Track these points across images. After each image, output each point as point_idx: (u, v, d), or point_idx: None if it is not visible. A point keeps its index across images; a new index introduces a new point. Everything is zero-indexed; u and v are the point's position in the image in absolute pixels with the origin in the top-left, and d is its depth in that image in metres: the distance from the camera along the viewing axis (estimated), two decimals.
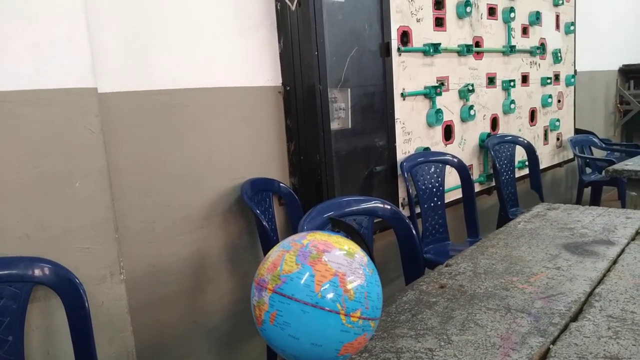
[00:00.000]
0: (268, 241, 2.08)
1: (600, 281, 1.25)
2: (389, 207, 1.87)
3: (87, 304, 1.41)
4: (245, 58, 2.19)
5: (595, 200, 4.03)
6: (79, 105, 1.52)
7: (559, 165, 4.23)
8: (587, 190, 4.07)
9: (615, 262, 1.37)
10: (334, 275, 0.70)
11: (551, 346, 0.97)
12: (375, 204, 1.87)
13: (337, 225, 0.84)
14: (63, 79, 1.48)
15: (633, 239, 1.55)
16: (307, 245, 0.73)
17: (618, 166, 2.60)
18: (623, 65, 5.47)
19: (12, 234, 1.42)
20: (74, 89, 1.50)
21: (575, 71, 4.25)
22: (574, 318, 1.09)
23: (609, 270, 1.32)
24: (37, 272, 1.40)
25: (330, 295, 0.69)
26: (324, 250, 0.72)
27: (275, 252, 0.75)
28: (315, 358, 0.72)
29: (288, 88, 2.32)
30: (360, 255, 0.75)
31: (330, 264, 0.71)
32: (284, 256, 0.72)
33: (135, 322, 1.70)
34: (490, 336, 1.02)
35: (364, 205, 1.85)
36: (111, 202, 1.61)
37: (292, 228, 2.38)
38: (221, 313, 2.20)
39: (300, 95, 2.32)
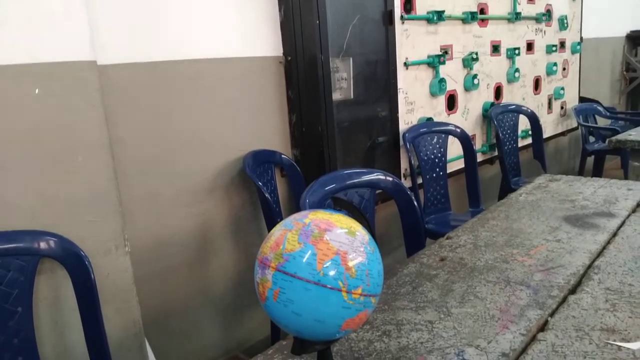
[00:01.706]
0: (270, 213, 2.09)
1: (599, 254, 1.27)
2: (390, 179, 1.87)
3: (93, 276, 1.44)
4: (246, 28, 2.15)
5: (597, 170, 4.02)
6: (79, 78, 1.51)
7: (562, 134, 4.21)
8: (590, 159, 4.06)
9: (615, 234, 1.38)
10: (335, 254, 0.71)
11: (549, 318, 0.99)
12: (377, 176, 1.87)
13: (339, 204, 0.84)
14: (62, 52, 1.46)
15: (634, 211, 1.56)
16: (309, 224, 0.74)
17: (621, 136, 2.59)
18: (631, 31, 5.37)
19: (17, 208, 1.43)
20: (72, 62, 1.49)
21: (581, 38, 4.18)
22: (573, 291, 1.10)
23: (608, 242, 1.33)
24: (42, 245, 1.42)
25: (332, 273, 0.70)
26: (325, 229, 0.73)
27: (277, 231, 0.75)
28: (317, 333, 0.73)
29: (289, 58, 2.29)
30: (361, 233, 0.76)
31: (332, 242, 0.72)
32: (286, 235, 0.73)
33: (141, 292, 1.73)
34: (489, 308, 1.04)
35: (365, 178, 1.85)
36: (114, 175, 1.61)
37: (294, 199, 2.39)
38: (225, 283, 2.23)
39: (301, 66, 2.29)
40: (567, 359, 0.86)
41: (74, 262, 1.44)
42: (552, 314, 1.01)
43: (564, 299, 1.06)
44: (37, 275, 1.43)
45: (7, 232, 1.39)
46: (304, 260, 0.70)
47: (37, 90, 1.42)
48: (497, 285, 1.13)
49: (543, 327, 0.97)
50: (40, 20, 1.42)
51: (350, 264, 0.71)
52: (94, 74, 1.54)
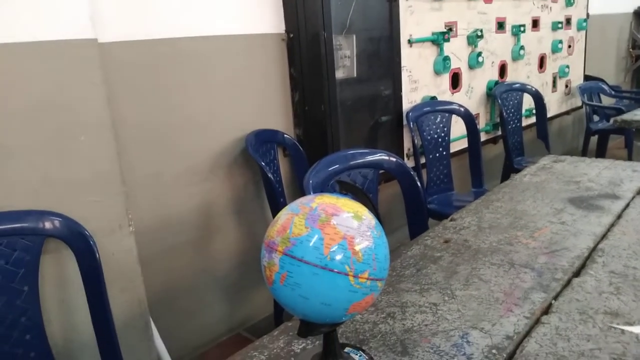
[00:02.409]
0: (273, 193, 2.09)
1: (603, 236, 1.27)
2: (394, 159, 1.86)
3: (97, 256, 1.44)
4: (247, 3, 2.12)
5: (601, 149, 4.00)
6: (80, 56, 1.49)
7: (567, 113, 4.18)
8: (594, 139, 4.04)
9: (619, 216, 1.38)
10: (342, 238, 0.71)
11: (553, 301, 1.00)
12: (381, 156, 1.86)
13: (345, 187, 0.84)
14: (62, 30, 1.44)
15: (638, 193, 1.55)
16: (315, 208, 0.73)
17: (627, 116, 2.57)
18: (638, 7, 5.28)
19: (20, 188, 1.43)
20: (73, 40, 1.47)
21: (587, 14, 4.11)
22: (577, 273, 1.10)
23: (613, 225, 1.33)
24: (47, 225, 1.42)
25: (339, 258, 0.70)
26: (332, 214, 0.72)
27: (284, 215, 0.75)
28: (324, 316, 0.74)
29: (291, 35, 2.26)
30: (368, 217, 0.75)
31: (339, 227, 0.71)
32: (293, 219, 0.73)
33: (146, 271, 1.75)
34: (493, 291, 1.04)
35: (369, 158, 1.84)
36: (117, 154, 1.61)
37: (297, 179, 2.39)
38: (229, 262, 2.25)
39: (304, 43, 2.26)
40: (571, 342, 0.87)
41: (79, 242, 1.44)
42: (556, 297, 1.01)
43: (568, 282, 1.06)
44: (43, 255, 1.44)
45: (13, 211, 1.40)
46: (311, 244, 0.70)
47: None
48: (502, 268, 1.13)
49: (547, 310, 0.97)
50: None
51: (357, 248, 0.71)
52: (95, 52, 1.52)
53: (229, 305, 2.28)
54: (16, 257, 1.39)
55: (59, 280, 1.54)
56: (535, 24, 3.54)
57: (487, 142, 3.33)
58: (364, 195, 0.82)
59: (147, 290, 1.75)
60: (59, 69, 1.45)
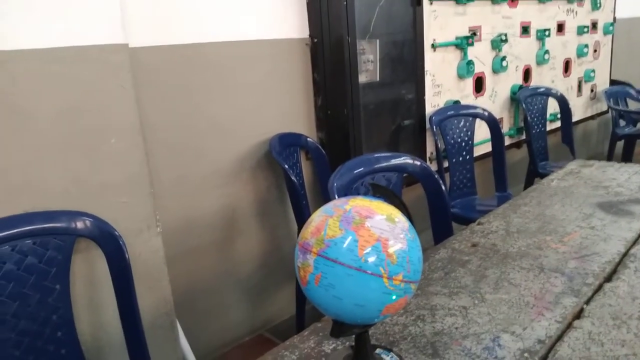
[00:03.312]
0: (296, 195, 2.10)
1: (635, 242, 1.25)
2: (418, 163, 1.86)
3: (127, 255, 1.46)
4: (272, 9, 2.14)
5: (627, 154, 3.93)
6: (111, 61, 1.52)
7: (592, 118, 4.11)
8: (619, 144, 3.96)
9: None
10: (377, 241, 0.71)
11: (585, 306, 0.99)
12: (405, 160, 1.86)
13: (378, 190, 0.85)
14: (94, 35, 1.48)
15: None
16: (349, 210, 0.74)
17: None
18: None
19: (53, 188, 1.47)
20: (105, 45, 1.50)
21: (614, 18, 4.05)
22: (608, 279, 1.09)
23: None
24: (79, 225, 1.45)
25: (373, 260, 0.71)
26: (366, 216, 0.73)
27: (318, 217, 0.76)
28: (357, 317, 0.74)
29: (315, 40, 2.28)
30: (401, 220, 0.76)
31: (373, 229, 0.72)
32: (328, 221, 0.74)
33: (171, 271, 1.77)
34: (523, 295, 1.04)
35: (394, 162, 1.84)
36: (145, 157, 1.63)
37: (319, 182, 2.40)
38: (251, 264, 2.26)
39: (327, 48, 2.27)
40: (605, 347, 0.86)
41: (109, 242, 1.46)
42: (587, 302, 1.00)
43: (600, 287, 1.05)
44: (74, 255, 1.46)
45: (46, 212, 1.43)
46: (346, 246, 0.71)
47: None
48: (531, 272, 1.12)
49: (579, 315, 0.96)
50: (71, 3, 1.43)
51: (391, 250, 0.72)
52: (126, 56, 1.55)
53: (251, 306, 2.29)
54: (49, 256, 1.42)
55: (89, 279, 1.57)
56: (560, 28, 3.50)
57: (510, 146, 3.29)
58: (397, 198, 0.83)
59: (173, 289, 1.77)
60: (91, 73, 1.49)
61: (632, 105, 4.28)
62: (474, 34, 2.83)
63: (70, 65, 1.45)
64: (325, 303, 0.74)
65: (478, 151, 2.90)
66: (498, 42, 2.95)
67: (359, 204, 0.76)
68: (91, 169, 1.52)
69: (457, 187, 2.68)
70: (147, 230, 1.66)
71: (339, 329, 0.78)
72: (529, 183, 3.16)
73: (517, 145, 3.37)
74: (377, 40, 2.43)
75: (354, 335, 0.82)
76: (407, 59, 2.57)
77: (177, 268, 1.93)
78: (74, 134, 1.48)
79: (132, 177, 1.60)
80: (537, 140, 3.25)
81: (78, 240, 1.48)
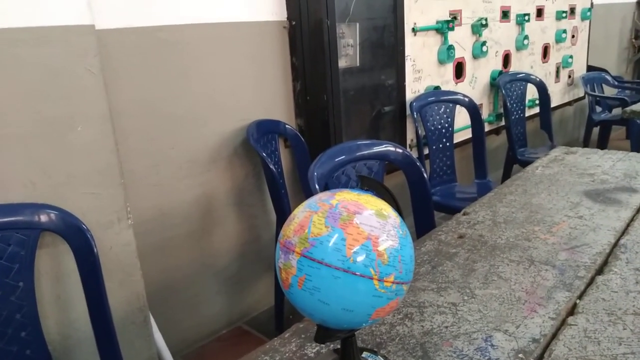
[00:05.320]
0: (275, 184, 2.04)
1: (624, 231, 1.22)
2: (400, 150, 1.80)
3: (95, 250, 1.39)
4: None
5: (603, 140, 3.97)
6: (77, 43, 1.42)
7: (569, 104, 4.13)
8: (595, 130, 3.99)
9: (639, 210, 1.33)
10: (366, 239, 0.65)
11: (578, 301, 0.95)
12: (387, 147, 1.80)
13: (366, 183, 0.78)
14: (58, 16, 1.37)
15: None
16: (336, 205, 0.68)
17: (636, 107, 2.52)
18: None
19: (16, 180, 1.37)
20: (70, 27, 1.40)
21: (591, 4, 4.05)
22: (600, 271, 1.06)
23: (632, 219, 1.28)
24: (43, 218, 1.37)
25: (362, 260, 0.65)
26: (355, 212, 0.67)
27: (301, 213, 0.69)
28: (345, 322, 0.69)
29: (294, 23, 2.19)
30: (392, 216, 0.70)
31: (362, 226, 0.66)
32: (312, 217, 0.67)
33: (145, 265, 1.69)
34: (514, 290, 1.00)
35: (375, 149, 1.78)
36: (115, 146, 1.54)
37: (298, 171, 2.34)
38: (229, 255, 2.20)
39: (306, 31, 2.19)
40: (602, 345, 0.82)
41: (76, 236, 1.39)
42: (580, 296, 0.97)
43: (592, 280, 1.02)
44: (39, 250, 1.38)
45: (6, 204, 1.34)
46: (332, 245, 0.65)
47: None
48: (521, 265, 1.09)
49: (572, 311, 0.93)
50: None
51: (382, 249, 0.66)
52: (93, 39, 1.45)
53: (228, 298, 2.23)
54: (10, 252, 1.33)
55: (55, 275, 1.48)
56: (539, 13, 3.48)
57: (489, 132, 3.28)
58: (387, 191, 0.77)
59: (147, 283, 1.69)
60: (55, 56, 1.38)
61: (608, 92, 4.31)
62: (455, 17, 2.78)
63: (32, 47, 1.35)
64: (310, 308, 0.67)
65: (457, 138, 2.87)
66: (478, 27, 2.91)
67: (346, 198, 0.70)
68: (57, 159, 1.43)
69: (437, 174, 2.65)
70: (117, 223, 1.57)
71: (324, 334, 0.72)
72: (507, 170, 3.15)
73: (495, 131, 3.36)
74: (357, 24, 2.36)
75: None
76: (387, 43, 2.50)
77: (150, 261, 1.86)
78: (37, 122, 1.38)
79: (101, 167, 1.51)
80: (516, 126, 3.24)
81: (43, 235, 1.39)
